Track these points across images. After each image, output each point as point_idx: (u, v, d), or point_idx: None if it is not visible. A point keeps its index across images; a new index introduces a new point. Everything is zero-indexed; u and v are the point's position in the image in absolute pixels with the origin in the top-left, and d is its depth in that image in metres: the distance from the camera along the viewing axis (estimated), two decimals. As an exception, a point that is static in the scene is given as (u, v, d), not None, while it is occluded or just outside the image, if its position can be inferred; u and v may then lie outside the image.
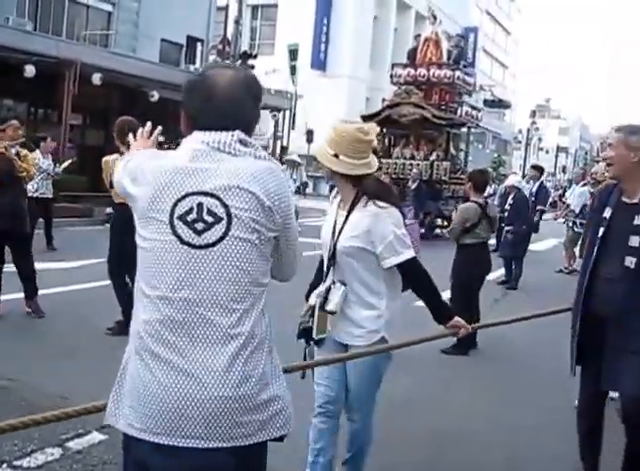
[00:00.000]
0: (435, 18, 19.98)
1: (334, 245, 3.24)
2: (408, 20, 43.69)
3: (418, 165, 17.78)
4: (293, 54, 32.63)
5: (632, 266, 3.42)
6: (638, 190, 3.49)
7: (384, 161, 17.51)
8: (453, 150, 18.80)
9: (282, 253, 2.01)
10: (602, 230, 3.54)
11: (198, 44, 22.62)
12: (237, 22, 20.75)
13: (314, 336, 3.24)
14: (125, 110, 21.38)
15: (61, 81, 16.66)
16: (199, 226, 1.83)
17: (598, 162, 30.50)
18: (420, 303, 3.28)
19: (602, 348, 3.50)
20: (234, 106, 1.93)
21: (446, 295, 7.26)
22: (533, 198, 13.21)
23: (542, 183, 14.24)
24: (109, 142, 20.97)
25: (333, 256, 3.25)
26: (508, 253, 11.49)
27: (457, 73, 18.94)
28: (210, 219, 1.83)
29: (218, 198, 1.83)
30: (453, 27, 46.97)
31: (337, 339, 3.29)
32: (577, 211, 12.83)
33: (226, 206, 1.83)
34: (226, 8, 21.18)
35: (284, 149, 30.14)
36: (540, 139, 65.53)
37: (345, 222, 3.24)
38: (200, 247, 1.82)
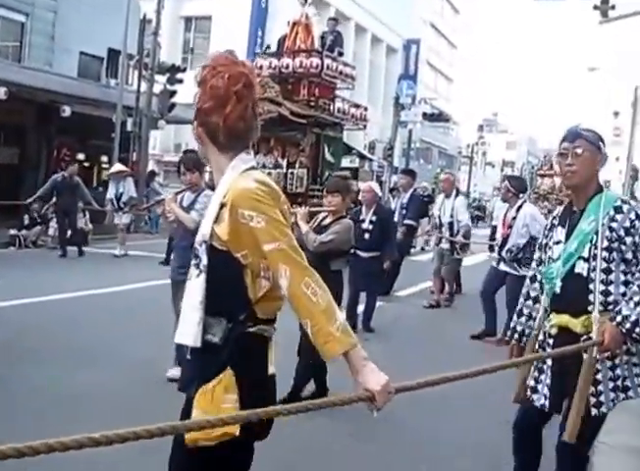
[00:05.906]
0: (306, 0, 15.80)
1: None
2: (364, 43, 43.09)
3: (277, 174, 14.24)
4: (227, 67, 31.71)
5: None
6: None
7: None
8: (329, 156, 15.24)
9: None
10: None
11: (120, 57, 21.46)
12: (155, 33, 19.76)
13: None
14: (39, 126, 20.49)
15: (-40, 96, 15.51)
16: None
17: (542, 176, 30.30)
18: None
19: None
20: None
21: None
22: (404, 211, 11.38)
23: (415, 191, 12.33)
24: (24, 160, 19.87)
25: None
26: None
27: (327, 61, 14.95)
28: None
29: None
30: (394, 39, 46.60)
31: None
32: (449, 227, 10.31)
33: None
34: (143, 19, 20.19)
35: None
36: (484, 154, 65.72)
37: None
38: None
